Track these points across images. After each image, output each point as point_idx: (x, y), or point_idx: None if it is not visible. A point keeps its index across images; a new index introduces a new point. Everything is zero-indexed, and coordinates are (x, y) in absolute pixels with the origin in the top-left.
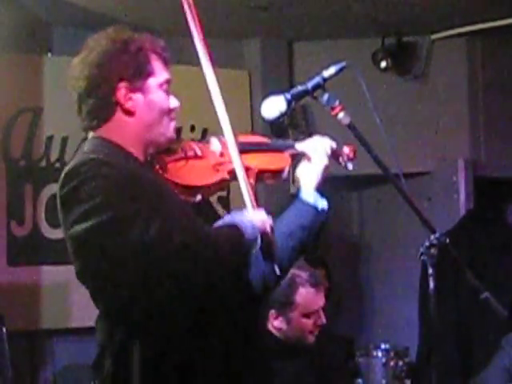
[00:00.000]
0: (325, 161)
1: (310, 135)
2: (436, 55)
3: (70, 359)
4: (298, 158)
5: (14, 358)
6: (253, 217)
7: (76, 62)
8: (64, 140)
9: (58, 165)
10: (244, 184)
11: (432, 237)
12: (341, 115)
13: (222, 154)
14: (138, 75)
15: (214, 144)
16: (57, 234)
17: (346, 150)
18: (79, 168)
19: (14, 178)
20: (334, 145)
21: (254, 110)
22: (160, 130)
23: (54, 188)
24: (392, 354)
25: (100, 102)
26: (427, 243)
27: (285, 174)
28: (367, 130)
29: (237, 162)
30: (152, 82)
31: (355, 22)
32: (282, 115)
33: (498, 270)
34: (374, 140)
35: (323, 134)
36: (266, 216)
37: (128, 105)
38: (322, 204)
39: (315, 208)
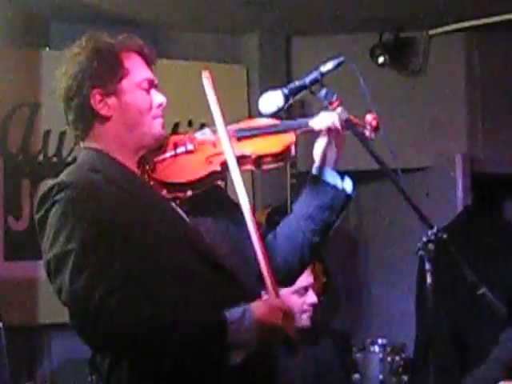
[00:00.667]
0: (329, 136)
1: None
2: (434, 51)
3: (68, 354)
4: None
5: (12, 353)
6: (264, 315)
7: (57, 74)
8: (61, 135)
9: (55, 159)
10: (238, 178)
11: (429, 232)
12: (338, 110)
13: (214, 145)
14: (111, 79)
15: (208, 135)
16: None
17: (369, 117)
18: (45, 196)
19: (12, 172)
20: (345, 115)
21: (252, 105)
22: (143, 129)
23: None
24: (389, 349)
25: (78, 112)
26: (425, 239)
27: (291, 155)
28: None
29: (229, 155)
30: (126, 83)
31: (353, 18)
32: (280, 110)
33: (496, 265)
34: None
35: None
36: (285, 305)
37: (103, 111)
38: (344, 184)
39: (334, 187)
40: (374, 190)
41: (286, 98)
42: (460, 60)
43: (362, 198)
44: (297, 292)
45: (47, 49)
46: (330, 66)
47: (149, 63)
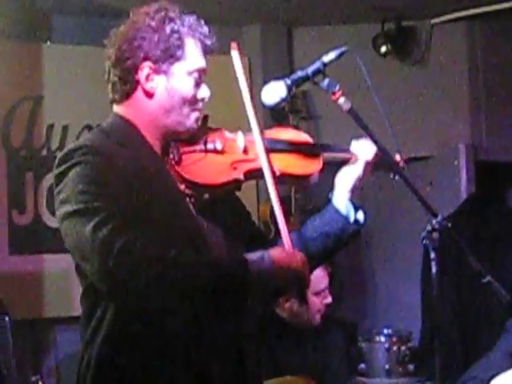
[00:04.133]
0: (363, 168)
1: (310, 120)
2: (436, 40)
3: (73, 347)
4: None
5: (17, 346)
6: (282, 259)
7: (114, 32)
8: (65, 128)
9: (58, 153)
10: (273, 193)
11: (434, 221)
12: (341, 100)
13: (245, 151)
14: (166, 58)
15: (239, 139)
16: None
17: (398, 157)
18: (68, 154)
19: (15, 166)
20: (349, 105)
21: (255, 96)
22: (178, 118)
23: None
24: (395, 338)
25: (123, 77)
26: (429, 227)
27: (311, 181)
28: (368, 116)
29: (265, 168)
30: (180, 67)
31: (355, 8)
32: (283, 101)
33: (500, 253)
34: (375, 125)
35: (324, 119)
36: (300, 260)
37: (148, 86)
38: (357, 215)
39: (346, 219)
40: (378, 179)
41: (289, 88)
42: (462, 49)
43: (366, 187)
44: (316, 293)
45: (49, 42)
46: (332, 56)
47: (206, 51)
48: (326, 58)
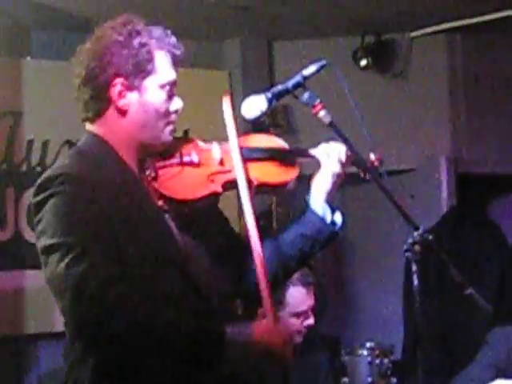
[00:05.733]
0: (336, 169)
1: (290, 134)
2: (416, 52)
3: (55, 363)
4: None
5: None
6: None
7: (81, 49)
8: (45, 144)
9: (39, 169)
10: (248, 207)
11: (415, 234)
12: (322, 114)
13: (221, 162)
14: (137, 73)
15: (215, 150)
16: None
17: (372, 157)
18: (46, 183)
19: None
20: (329, 118)
21: (235, 109)
22: (153, 132)
23: None
24: (377, 352)
25: (94, 95)
26: (411, 240)
27: (289, 188)
28: (348, 129)
29: (242, 182)
30: (151, 81)
31: (335, 21)
32: (263, 114)
33: (482, 265)
34: (356, 138)
35: (305, 132)
36: (284, 335)
37: (121, 103)
38: (334, 217)
39: (322, 220)
40: (359, 192)
41: (269, 102)
42: (442, 61)
43: (347, 200)
44: (296, 315)
45: (29, 58)
46: (312, 69)
47: (176, 64)
48: (307, 72)
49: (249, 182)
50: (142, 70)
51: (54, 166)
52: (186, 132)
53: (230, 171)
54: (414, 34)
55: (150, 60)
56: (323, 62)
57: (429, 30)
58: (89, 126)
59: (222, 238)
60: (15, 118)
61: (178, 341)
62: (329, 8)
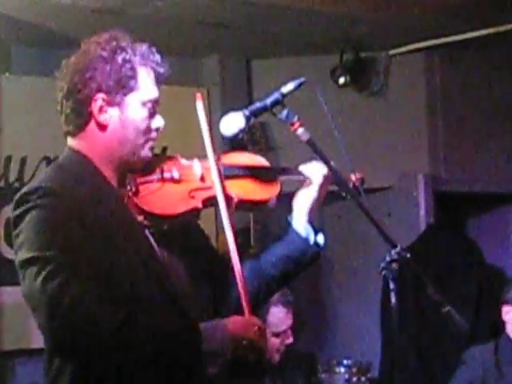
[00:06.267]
0: (320, 189)
1: (268, 151)
2: (394, 70)
3: (32, 380)
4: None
5: None
6: (235, 331)
7: (65, 63)
8: (23, 160)
9: (16, 185)
10: (227, 221)
11: (393, 251)
12: (300, 131)
13: (202, 179)
14: (119, 89)
15: (195, 166)
16: None
17: (353, 177)
18: (25, 196)
19: None
20: (307, 136)
21: (213, 127)
22: (133, 149)
23: None
24: (354, 369)
25: (76, 108)
26: (388, 258)
27: (270, 205)
28: (326, 146)
29: (221, 199)
30: (133, 98)
31: (313, 39)
32: (241, 132)
33: (459, 283)
34: (334, 156)
35: (283, 150)
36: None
37: (101, 118)
38: (317, 238)
39: (305, 241)
40: (336, 210)
41: (247, 119)
42: (421, 79)
43: (325, 218)
44: (276, 334)
45: (7, 74)
46: (290, 86)
47: (159, 82)
48: (285, 89)
49: (229, 198)
50: (124, 86)
51: (33, 180)
52: (164, 149)
53: (210, 188)
54: (392, 51)
55: (133, 77)
56: (301, 80)
57: (407, 48)
58: (70, 141)
59: (201, 254)
60: None
61: (153, 345)
62: (307, 26)
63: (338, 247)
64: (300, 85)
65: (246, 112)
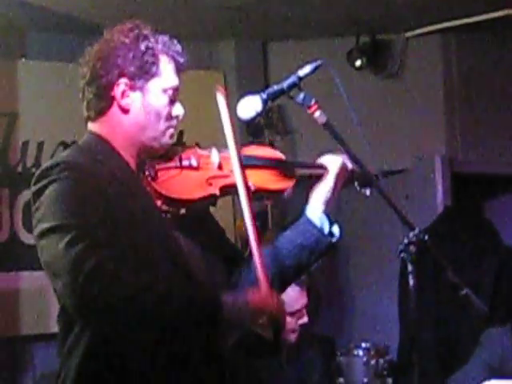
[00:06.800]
0: (336, 180)
1: (286, 134)
2: (411, 53)
3: (50, 365)
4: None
5: None
6: (255, 302)
7: (88, 51)
8: (40, 145)
9: (34, 170)
10: (247, 208)
11: (411, 234)
12: (317, 114)
13: (220, 167)
14: (141, 74)
15: (214, 155)
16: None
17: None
18: (45, 172)
19: None
20: (324, 119)
21: (230, 110)
22: (154, 134)
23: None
24: (373, 352)
25: (98, 93)
26: (406, 241)
27: (285, 196)
28: (343, 129)
29: (240, 185)
30: (155, 84)
31: (329, 22)
32: (258, 115)
33: (477, 265)
34: (351, 139)
35: (300, 133)
36: (276, 304)
37: (123, 102)
38: (332, 229)
39: (320, 230)
40: (353, 192)
41: (264, 102)
42: (437, 61)
43: (342, 201)
44: (291, 314)
45: (24, 59)
46: (307, 70)
47: (179, 71)
48: (302, 72)
49: (246, 187)
50: (146, 71)
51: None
52: (180, 133)
53: (228, 176)
54: (408, 34)
55: (155, 63)
56: (318, 63)
57: (424, 30)
58: (90, 126)
59: (215, 242)
60: (10, 119)
61: (174, 309)
62: (323, 8)
63: (356, 230)
64: (317, 68)
65: (263, 95)
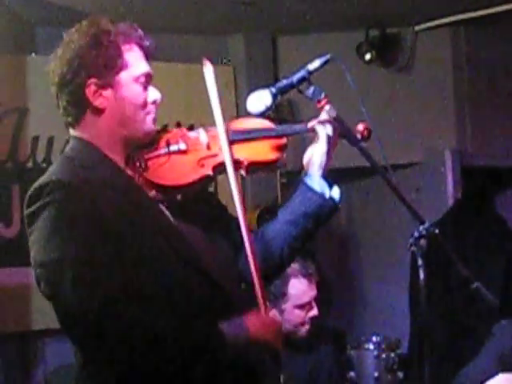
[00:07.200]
0: (328, 142)
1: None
2: (420, 46)
3: (62, 360)
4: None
5: (5, 359)
6: (257, 329)
7: (52, 58)
8: (50, 140)
9: (44, 165)
10: (234, 182)
11: (421, 227)
12: (327, 108)
13: (208, 147)
14: (108, 70)
15: (201, 135)
16: None
17: (360, 127)
18: (37, 192)
19: (1, 179)
20: (334, 113)
21: (240, 105)
22: (135, 125)
23: None
24: (384, 346)
25: (71, 99)
26: (416, 234)
27: (279, 165)
28: (353, 123)
29: (228, 162)
30: (124, 75)
31: (339, 15)
32: (268, 109)
33: (487, 257)
34: None
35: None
36: (274, 324)
37: (97, 102)
38: (332, 192)
39: (321, 196)
40: (364, 186)
41: (274, 96)
42: (447, 55)
43: (352, 195)
44: (300, 306)
45: (33, 54)
46: (317, 64)
47: (147, 55)
48: (311, 66)
49: (239, 162)
50: (112, 66)
51: (43, 175)
52: (164, 126)
53: (217, 155)
54: (418, 27)
55: (119, 55)
56: (328, 57)
57: (433, 23)
58: (72, 131)
59: (217, 223)
60: (20, 114)
61: (181, 354)
62: (333, 2)
63: (366, 224)
64: (326, 62)
65: (273, 89)
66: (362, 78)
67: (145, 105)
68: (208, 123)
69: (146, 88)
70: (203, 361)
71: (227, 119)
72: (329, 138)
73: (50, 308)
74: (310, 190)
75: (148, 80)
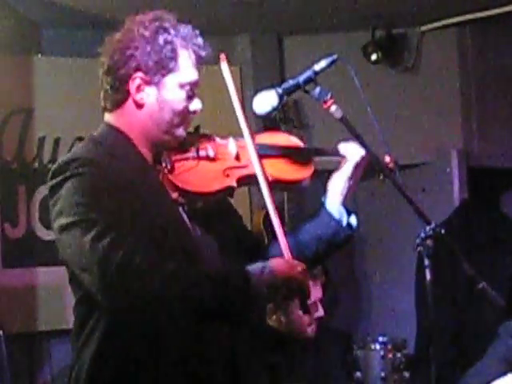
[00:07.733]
0: (355, 170)
1: (301, 129)
2: (426, 46)
3: (68, 360)
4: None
5: (12, 360)
6: (277, 269)
7: (108, 40)
8: (56, 141)
9: (50, 166)
10: (267, 195)
11: (427, 228)
12: (333, 109)
13: (237, 157)
14: (158, 69)
15: (231, 145)
16: (51, 235)
17: (387, 159)
18: (63, 166)
19: (7, 180)
20: (340, 113)
21: (246, 105)
22: (169, 129)
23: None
24: (390, 346)
25: (114, 85)
26: (423, 234)
27: (302, 186)
28: (360, 123)
29: (259, 175)
30: (171, 79)
31: (345, 16)
32: (274, 110)
33: (494, 258)
34: (367, 133)
35: (316, 128)
36: (296, 268)
37: (138, 97)
38: (349, 219)
39: (339, 223)
40: (370, 186)
41: (280, 97)
42: (453, 55)
43: (359, 194)
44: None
45: (40, 55)
46: (323, 64)
47: (199, 64)
48: (317, 67)
49: (266, 177)
50: (163, 66)
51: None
52: (196, 128)
53: (245, 166)
54: (424, 27)
55: (174, 58)
56: (334, 57)
57: (439, 23)
58: (107, 116)
59: (234, 233)
60: (26, 115)
61: (207, 291)
62: (339, 2)
63: (372, 224)
64: (332, 62)
65: (279, 90)
66: (368, 79)
67: (183, 112)
68: (210, 123)
69: (189, 97)
70: (225, 294)
71: (233, 119)
72: (355, 166)
73: (55, 309)
74: (329, 215)
75: (193, 88)
